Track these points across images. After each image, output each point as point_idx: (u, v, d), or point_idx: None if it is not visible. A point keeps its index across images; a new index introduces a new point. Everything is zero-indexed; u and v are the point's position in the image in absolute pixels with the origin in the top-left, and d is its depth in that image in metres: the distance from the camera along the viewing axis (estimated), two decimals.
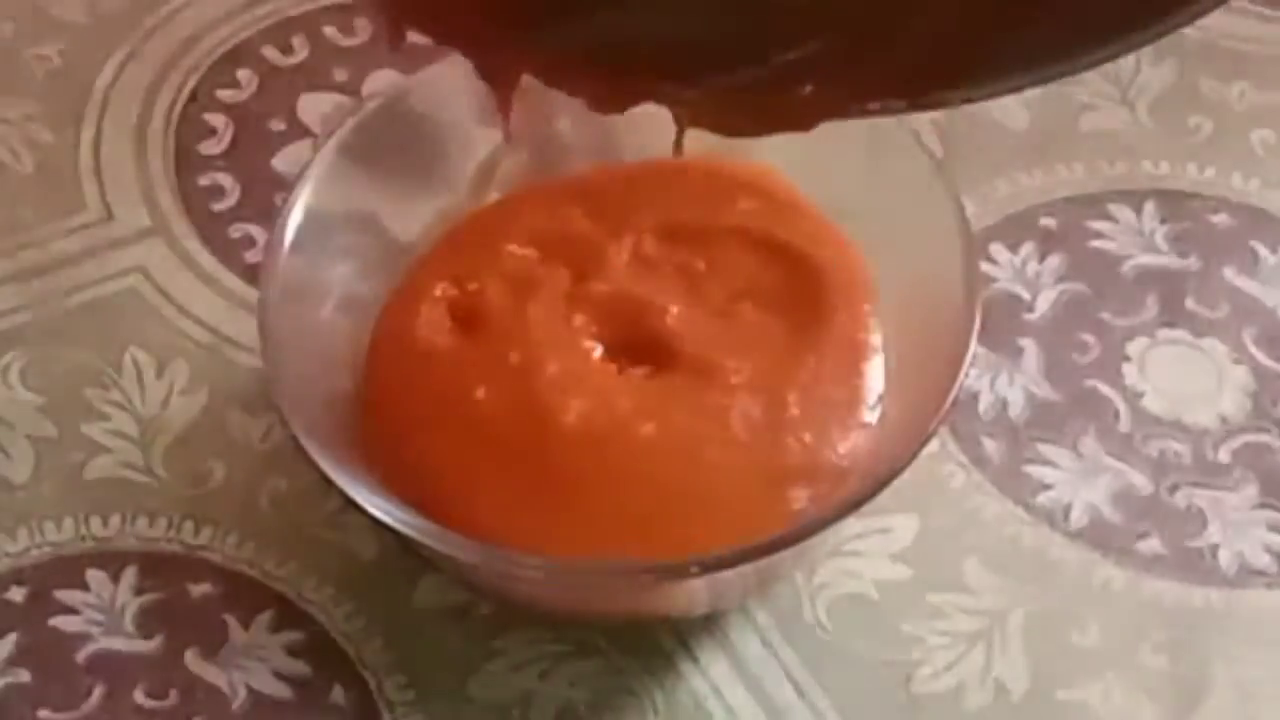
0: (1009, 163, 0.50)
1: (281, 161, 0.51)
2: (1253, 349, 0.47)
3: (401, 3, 0.34)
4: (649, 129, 0.39)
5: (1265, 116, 0.52)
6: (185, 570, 0.43)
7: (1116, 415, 0.46)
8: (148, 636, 0.42)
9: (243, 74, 0.53)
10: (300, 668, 0.42)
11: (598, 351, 0.43)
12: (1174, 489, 0.44)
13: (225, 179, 0.51)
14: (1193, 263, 0.49)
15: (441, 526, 0.40)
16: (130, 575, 0.43)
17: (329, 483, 0.43)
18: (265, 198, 0.50)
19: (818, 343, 0.43)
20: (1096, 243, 0.49)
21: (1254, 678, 0.41)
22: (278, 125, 0.52)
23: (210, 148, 0.52)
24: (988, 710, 0.41)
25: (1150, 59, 0.53)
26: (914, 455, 0.39)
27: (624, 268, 0.45)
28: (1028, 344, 0.47)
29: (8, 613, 0.43)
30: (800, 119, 0.34)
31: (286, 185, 0.45)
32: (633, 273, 0.45)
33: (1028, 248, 0.49)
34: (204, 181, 0.51)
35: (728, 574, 0.40)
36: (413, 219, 0.45)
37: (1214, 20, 0.53)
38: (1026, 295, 0.48)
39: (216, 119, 0.52)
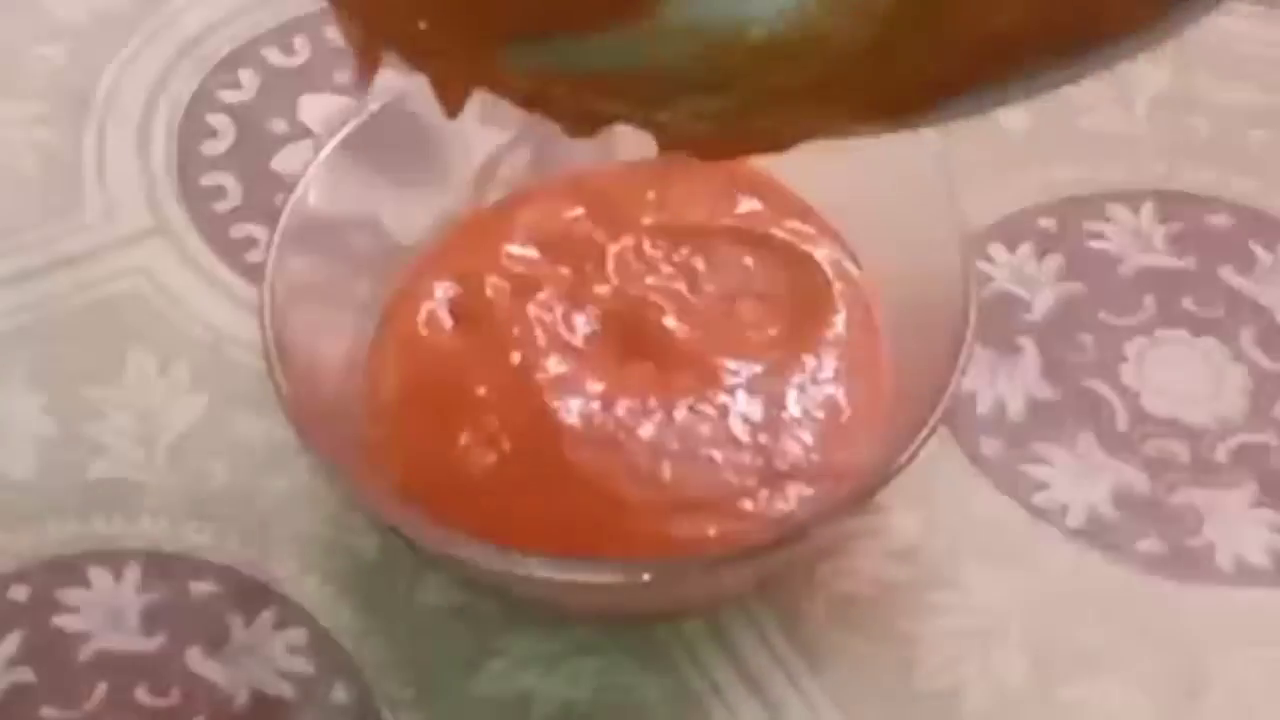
0: (1008, 163, 0.51)
1: (283, 162, 0.51)
2: (1251, 349, 0.47)
3: (371, 24, 0.33)
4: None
5: (1264, 117, 0.52)
6: (187, 569, 0.43)
7: (1114, 415, 0.46)
8: (150, 635, 0.42)
9: (245, 75, 0.53)
10: (302, 666, 0.42)
11: (598, 351, 0.43)
12: (1172, 488, 0.44)
13: (227, 179, 0.51)
14: (1191, 263, 0.49)
15: (441, 526, 0.40)
16: (132, 574, 0.43)
17: (330, 482, 0.43)
18: (267, 198, 0.50)
19: (817, 343, 0.43)
20: (1095, 243, 0.49)
21: (1252, 677, 0.41)
22: (279, 126, 0.52)
23: (212, 148, 0.52)
24: (986, 709, 0.41)
25: (1149, 59, 0.53)
26: (912, 455, 0.39)
27: (624, 268, 0.45)
28: (1026, 344, 0.47)
29: (10, 612, 0.43)
30: (778, 141, 0.34)
31: (288, 186, 0.45)
32: (633, 272, 0.45)
33: (1026, 248, 0.49)
34: (206, 182, 0.51)
35: (728, 574, 0.40)
36: (413, 219, 0.46)
37: (1213, 20, 0.53)
38: (1025, 295, 0.48)
39: (218, 120, 0.52)
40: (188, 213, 0.50)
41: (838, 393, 0.43)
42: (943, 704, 0.41)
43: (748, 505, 0.41)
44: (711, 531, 0.40)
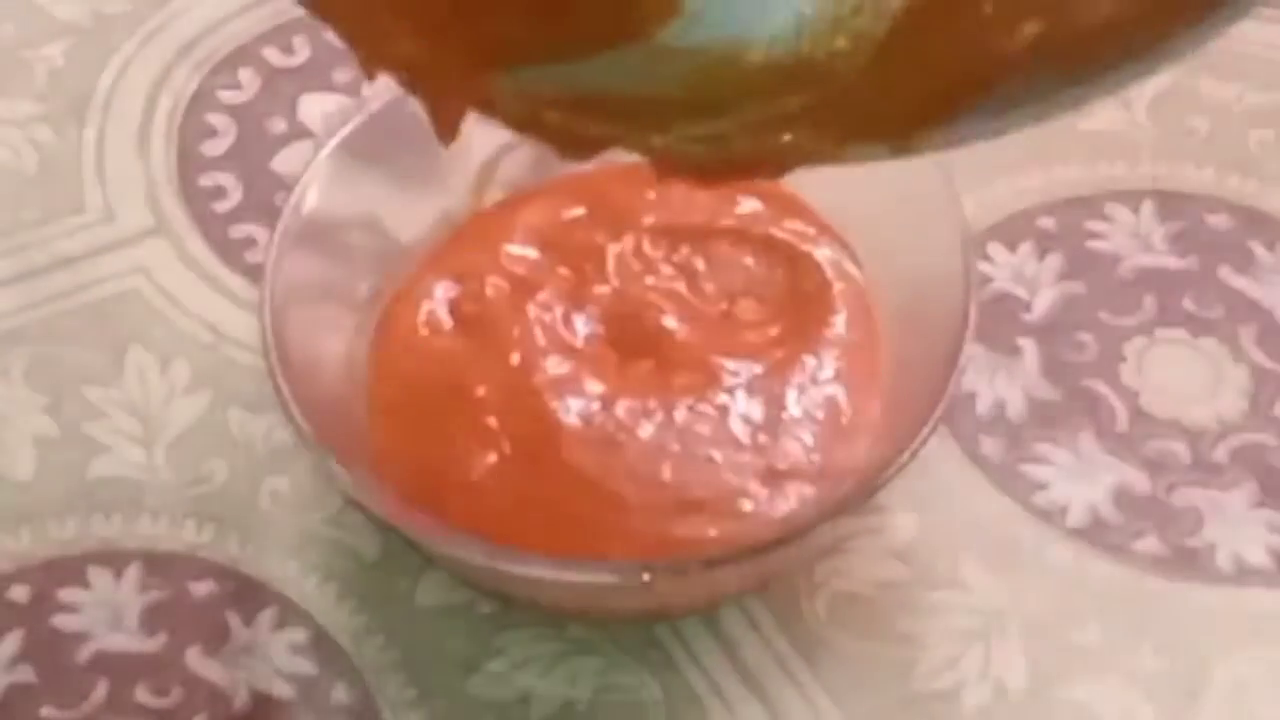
0: (1007, 163, 0.51)
1: (283, 162, 0.51)
2: (1250, 349, 0.47)
3: (367, 48, 0.33)
4: None
5: (1263, 117, 0.52)
6: (187, 569, 0.43)
7: (1114, 414, 0.46)
8: (150, 635, 0.42)
9: (244, 75, 0.53)
10: (302, 666, 0.42)
11: (598, 352, 0.43)
12: (1172, 488, 0.44)
13: (227, 179, 0.51)
14: (1191, 263, 0.49)
15: (442, 526, 0.40)
16: (132, 574, 0.43)
17: (330, 482, 0.43)
18: (267, 198, 0.50)
19: (817, 343, 0.43)
20: (1094, 243, 0.49)
21: (1252, 677, 0.41)
22: (279, 126, 0.52)
23: (212, 148, 0.52)
24: (986, 709, 0.41)
25: None
26: (912, 455, 0.39)
27: (624, 268, 0.45)
28: (1026, 343, 0.47)
29: (10, 612, 0.43)
30: (774, 166, 0.34)
31: (288, 186, 0.45)
32: (633, 273, 0.45)
33: (1026, 247, 0.49)
34: (206, 182, 0.51)
35: (728, 574, 0.40)
36: (413, 219, 0.46)
37: None
38: (1025, 295, 0.48)
39: (218, 119, 0.52)
40: (188, 213, 0.50)
41: (838, 393, 0.43)
42: (943, 704, 0.41)
43: (748, 505, 0.41)
44: (711, 531, 0.40)
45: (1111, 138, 0.51)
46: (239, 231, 0.50)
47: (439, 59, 0.32)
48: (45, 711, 0.41)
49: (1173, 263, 0.49)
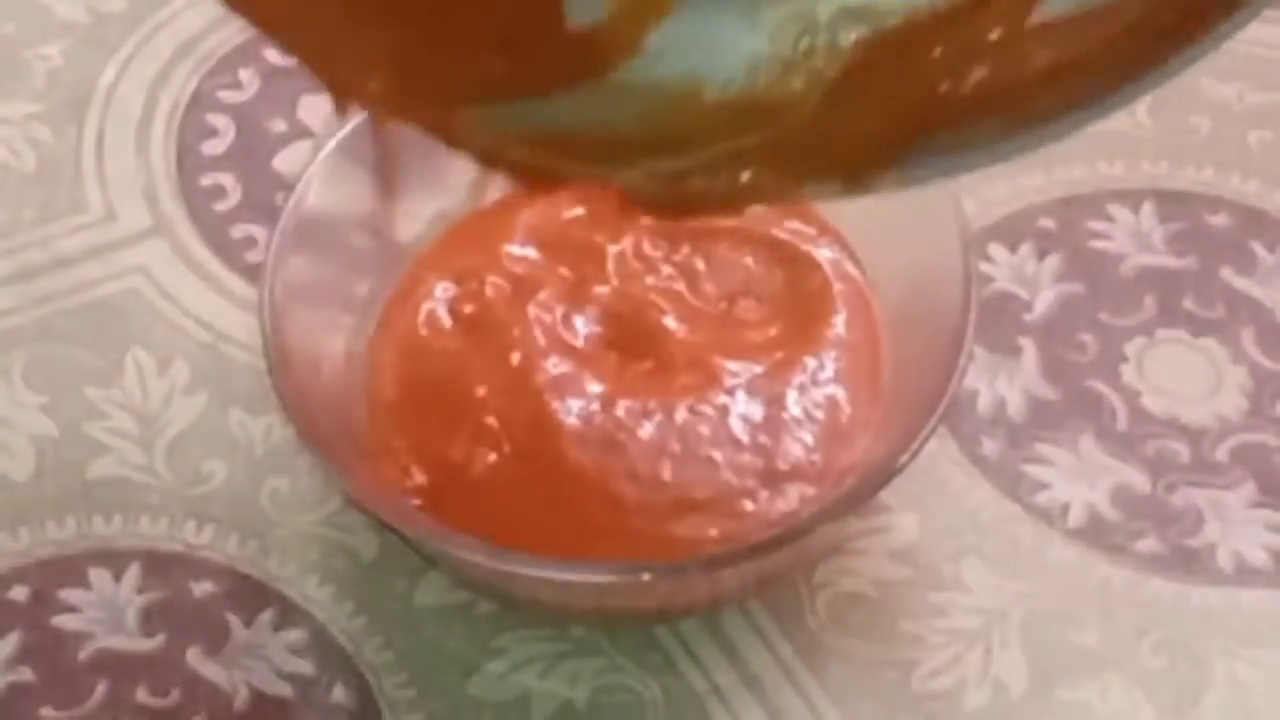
0: (1007, 163, 0.50)
1: (283, 162, 0.51)
2: (1251, 349, 0.47)
3: (341, 85, 0.33)
4: None
5: (1264, 117, 0.52)
6: (187, 569, 0.43)
7: (1115, 415, 0.46)
8: (149, 635, 0.42)
9: (244, 74, 0.53)
10: (301, 666, 0.42)
11: (597, 352, 0.43)
12: (1172, 488, 0.44)
13: (227, 179, 0.51)
14: (1191, 263, 0.49)
15: (441, 526, 0.40)
16: (132, 574, 0.43)
17: (330, 482, 0.43)
18: (267, 198, 0.50)
19: (817, 343, 0.43)
20: (1095, 243, 0.49)
21: (1252, 676, 0.41)
22: (279, 126, 0.52)
23: (212, 148, 0.52)
24: (987, 709, 0.41)
25: None
26: (913, 455, 0.39)
27: (624, 268, 0.45)
28: (1026, 344, 0.47)
29: (10, 612, 0.43)
30: (733, 202, 0.34)
31: (288, 185, 0.45)
32: (633, 273, 0.45)
33: (1026, 247, 0.49)
34: (205, 182, 0.51)
35: (728, 574, 0.40)
36: (413, 219, 0.45)
37: None
38: (1025, 295, 0.48)
39: (218, 119, 0.52)
40: (188, 213, 0.50)
41: (838, 393, 0.43)
42: (943, 704, 0.41)
43: (748, 505, 0.41)
44: (711, 531, 0.40)
45: (1111, 138, 0.51)
46: (239, 231, 0.50)
47: (405, 96, 0.32)
48: (45, 711, 0.41)
49: (1173, 263, 0.49)
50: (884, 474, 0.39)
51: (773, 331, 0.44)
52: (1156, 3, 0.31)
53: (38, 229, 0.50)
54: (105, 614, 0.43)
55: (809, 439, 0.42)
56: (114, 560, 0.44)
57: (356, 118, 0.45)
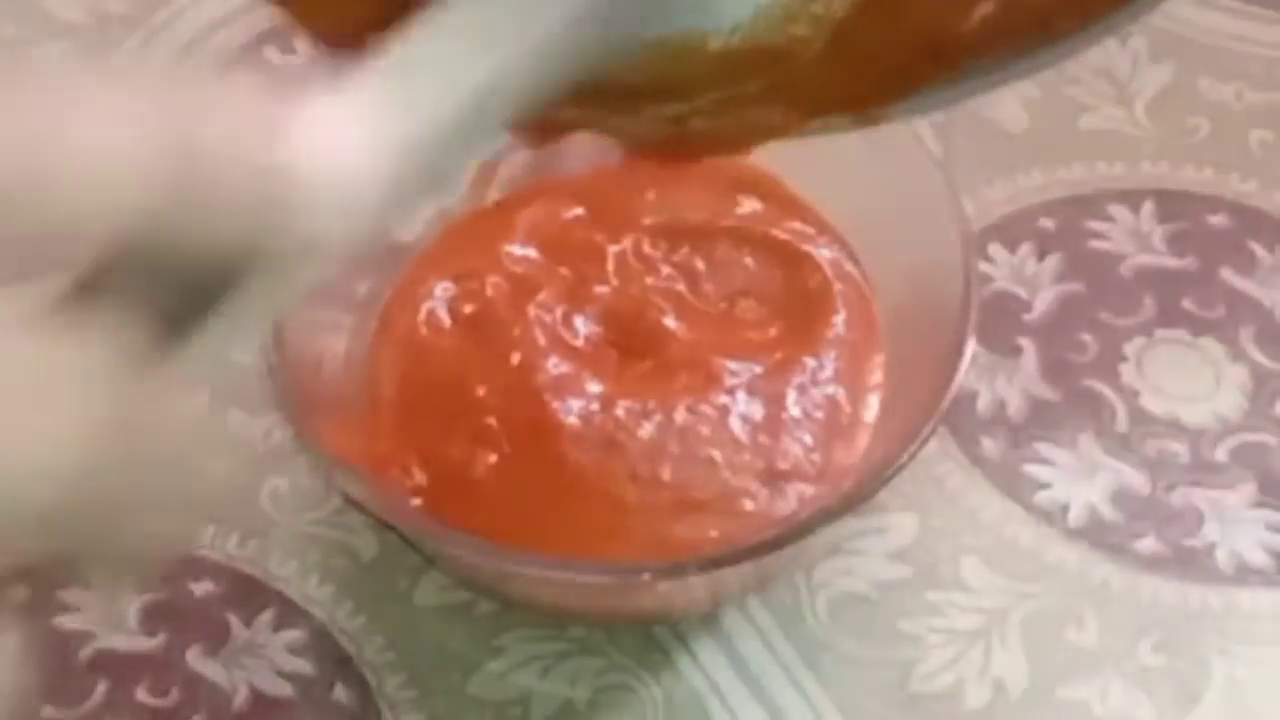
0: (1007, 163, 0.51)
1: None
2: (1250, 348, 0.47)
3: (316, 30, 0.33)
4: None
5: (1263, 117, 0.52)
6: (187, 569, 0.43)
7: (1114, 414, 0.46)
8: (150, 635, 0.42)
9: (244, 75, 0.53)
10: (301, 666, 0.42)
11: (598, 352, 0.43)
12: (1171, 488, 0.44)
13: None
14: (1190, 263, 0.49)
15: (442, 526, 0.40)
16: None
17: (330, 482, 0.43)
18: None
19: (817, 343, 0.43)
20: (1095, 243, 0.49)
21: (1251, 676, 0.41)
22: None
23: None
24: (986, 708, 0.41)
25: (1149, 59, 0.53)
26: (912, 455, 0.39)
27: (624, 268, 0.45)
28: (1026, 344, 0.47)
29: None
30: (740, 141, 0.34)
31: None
32: (633, 273, 0.45)
33: (1026, 248, 0.49)
34: None
35: (728, 574, 0.40)
36: (413, 219, 0.45)
37: (1212, 20, 0.54)
38: (1025, 295, 0.48)
39: None
40: None
41: (838, 393, 0.43)
42: (942, 703, 0.41)
43: (748, 505, 0.41)
44: (711, 531, 0.40)
45: (1111, 138, 0.51)
46: None
47: None
48: (45, 711, 0.41)
49: (1173, 263, 0.49)
50: (884, 474, 0.39)
51: (773, 331, 0.44)
52: None
53: None
54: (105, 614, 0.43)
55: (809, 439, 0.42)
56: None
57: None
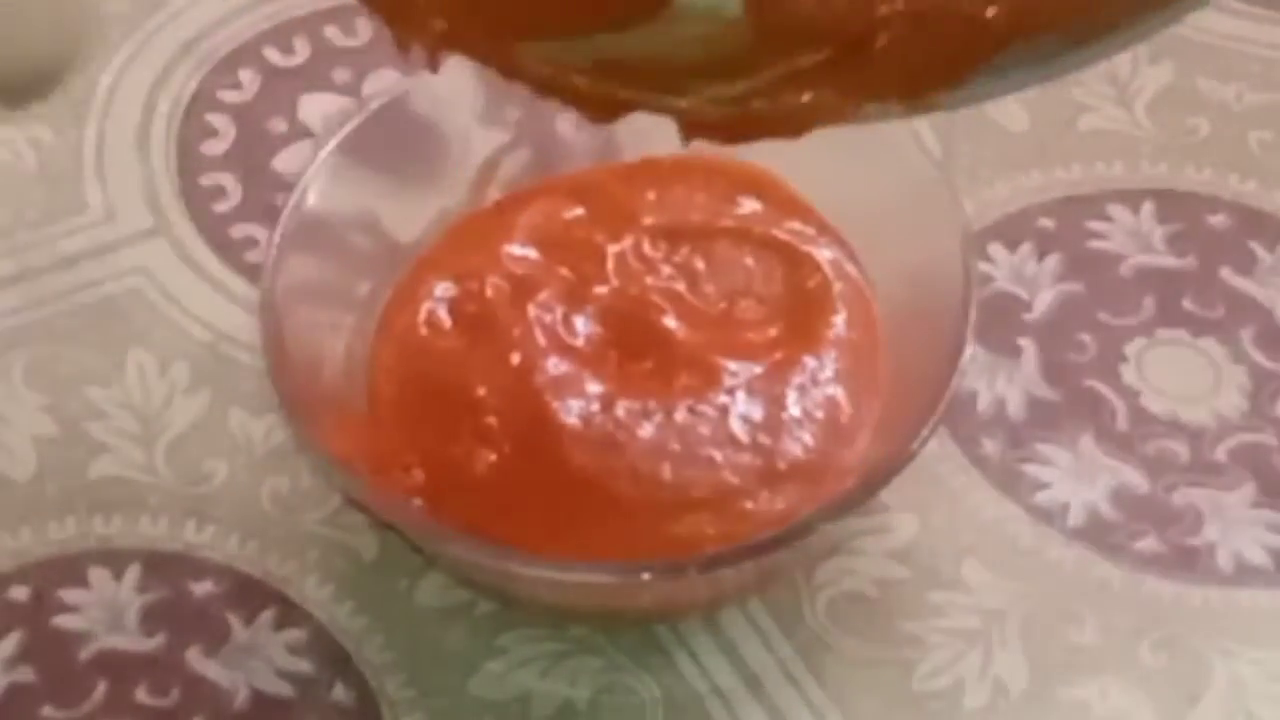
0: (1007, 163, 0.51)
1: (283, 162, 0.51)
2: (1250, 349, 0.47)
3: (404, 26, 0.34)
4: (649, 129, 0.39)
5: (1263, 117, 0.52)
6: (187, 569, 0.43)
7: (1114, 415, 0.46)
8: (150, 635, 0.42)
9: (244, 75, 0.53)
10: (302, 666, 0.42)
11: (598, 352, 0.43)
12: (1171, 488, 0.44)
13: (227, 179, 0.51)
14: (1190, 263, 0.49)
15: (442, 526, 0.40)
16: (132, 574, 0.43)
17: (330, 482, 0.44)
18: (267, 198, 0.50)
19: (817, 343, 0.43)
20: (1094, 243, 0.49)
21: (1251, 676, 0.41)
22: (279, 126, 0.52)
23: (212, 148, 0.52)
24: (986, 708, 0.41)
25: (1148, 59, 0.53)
26: (912, 455, 0.39)
27: (624, 268, 0.45)
28: (1026, 344, 0.47)
29: (10, 611, 0.43)
30: (795, 126, 0.34)
31: (288, 185, 0.45)
32: (633, 273, 0.45)
33: (1026, 248, 0.49)
34: (206, 182, 0.51)
35: (728, 574, 0.40)
36: (413, 219, 0.46)
37: (1212, 20, 0.54)
38: (1025, 295, 0.48)
39: (218, 119, 0.52)
40: (188, 213, 0.50)
41: (838, 393, 0.43)
42: (943, 704, 0.41)
43: (748, 505, 0.41)
44: (711, 531, 0.40)
45: (1111, 138, 0.51)
46: (239, 231, 0.50)
47: (467, 35, 0.33)
48: (45, 711, 0.41)
49: (1173, 263, 0.49)
50: (884, 474, 0.39)
51: (773, 331, 0.44)
52: None
53: (39, 229, 0.50)
54: (105, 614, 0.43)
55: (809, 439, 0.42)
56: (114, 560, 0.44)
57: (355, 118, 0.45)
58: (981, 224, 0.49)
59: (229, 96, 0.53)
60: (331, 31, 0.54)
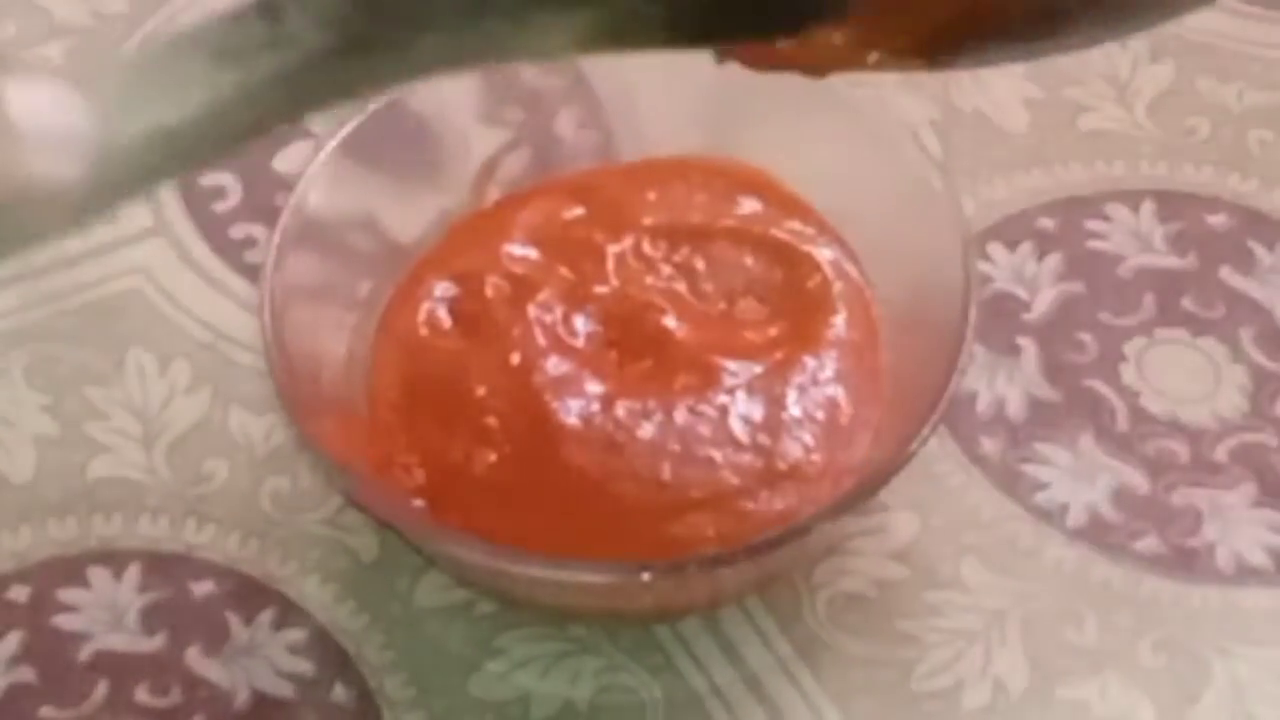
0: (1007, 163, 0.51)
1: (283, 162, 0.51)
2: (1250, 348, 0.47)
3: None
4: (649, 129, 0.39)
5: (1263, 117, 0.52)
6: (187, 569, 0.43)
7: (1114, 415, 0.46)
8: (150, 635, 0.42)
9: None
10: (301, 666, 0.42)
11: (598, 352, 0.43)
12: (1171, 488, 0.44)
13: (227, 179, 0.51)
14: (1190, 262, 0.49)
15: (442, 526, 0.40)
16: (132, 574, 0.43)
17: (330, 482, 0.44)
18: (267, 198, 0.50)
19: (817, 343, 0.43)
20: (1094, 243, 0.49)
21: (1251, 676, 0.41)
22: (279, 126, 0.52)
23: None
24: (986, 708, 0.41)
25: (1148, 59, 0.53)
26: (912, 454, 0.39)
27: (624, 268, 0.45)
28: (1026, 344, 0.47)
29: (10, 611, 0.43)
30: (820, 67, 0.34)
31: (288, 185, 0.45)
32: (633, 273, 0.45)
33: (1026, 248, 0.49)
34: (206, 182, 0.51)
35: (727, 574, 0.40)
36: (413, 219, 0.46)
37: (1212, 20, 0.54)
38: (1024, 295, 0.48)
39: None
40: (188, 213, 0.50)
41: (837, 393, 0.43)
42: (943, 704, 0.41)
43: (748, 505, 0.41)
44: (711, 531, 0.40)
45: (1111, 138, 0.51)
46: (239, 231, 0.50)
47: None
48: (45, 711, 0.41)
49: (1173, 263, 0.49)
50: (884, 474, 0.39)
51: (773, 331, 0.44)
52: None
53: None
54: (105, 614, 0.43)
55: (809, 439, 0.42)
56: (114, 560, 0.44)
57: (355, 118, 0.45)
58: (981, 224, 0.49)
59: None
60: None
